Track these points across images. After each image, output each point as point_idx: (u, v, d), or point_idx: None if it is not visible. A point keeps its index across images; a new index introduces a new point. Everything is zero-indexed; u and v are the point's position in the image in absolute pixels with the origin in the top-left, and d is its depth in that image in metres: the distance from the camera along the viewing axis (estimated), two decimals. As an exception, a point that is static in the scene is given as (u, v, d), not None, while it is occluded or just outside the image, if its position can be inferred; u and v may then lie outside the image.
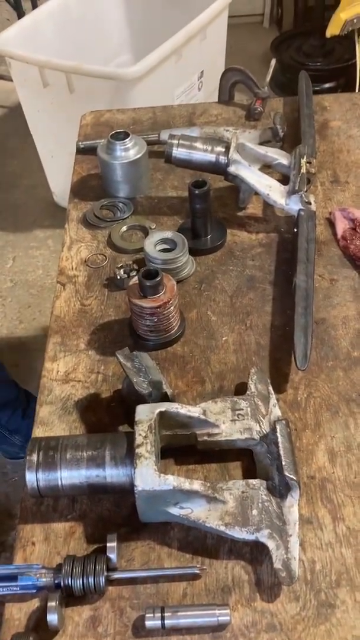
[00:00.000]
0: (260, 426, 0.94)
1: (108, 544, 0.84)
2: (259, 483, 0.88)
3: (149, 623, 0.79)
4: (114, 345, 1.13)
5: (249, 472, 0.94)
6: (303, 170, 1.29)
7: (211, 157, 1.29)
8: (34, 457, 0.88)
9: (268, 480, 0.89)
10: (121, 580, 0.84)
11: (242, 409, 0.96)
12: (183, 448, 0.96)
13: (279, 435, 0.90)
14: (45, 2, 2.36)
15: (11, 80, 2.65)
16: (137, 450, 0.86)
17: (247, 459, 0.96)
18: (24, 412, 2.01)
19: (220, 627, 0.80)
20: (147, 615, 0.79)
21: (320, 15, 3.33)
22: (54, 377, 1.09)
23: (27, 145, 2.78)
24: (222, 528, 0.84)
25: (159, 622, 0.79)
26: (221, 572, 0.85)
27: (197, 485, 0.85)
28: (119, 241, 1.32)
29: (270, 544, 0.82)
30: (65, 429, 1.02)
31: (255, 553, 0.86)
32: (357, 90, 2.74)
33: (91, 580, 0.81)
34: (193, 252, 1.26)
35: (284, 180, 1.33)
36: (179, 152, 1.29)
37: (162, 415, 0.91)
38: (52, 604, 0.79)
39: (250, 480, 0.88)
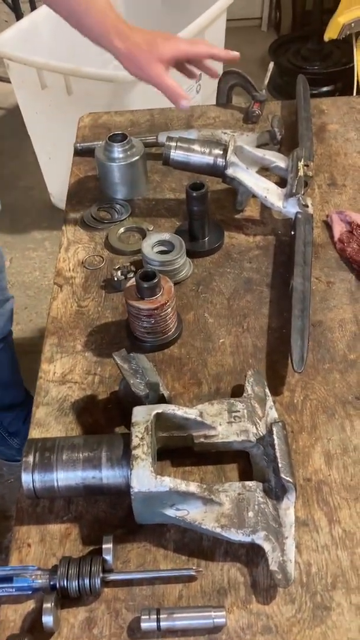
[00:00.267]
0: (256, 428, 0.94)
1: (104, 546, 0.84)
2: (255, 485, 0.88)
3: (144, 625, 0.79)
4: (110, 346, 1.13)
5: (246, 474, 0.94)
6: (300, 173, 1.29)
7: (209, 160, 1.29)
8: (30, 458, 0.88)
9: (264, 482, 0.89)
10: (117, 581, 0.84)
11: (239, 411, 0.96)
12: (179, 450, 0.96)
13: (275, 437, 0.90)
14: (44, 4, 2.36)
15: (9, 82, 2.65)
16: (134, 452, 0.86)
17: (243, 461, 0.96)
18: (25, 417, 2.01)
19: (215, 629, 0.80)
20: (143, 617, 0.79)
21: (318, 19, 3.34)
22: (50, 379, 1.09)
23: (24, 146, 2.78)
24: (218, 530, 0.84)
25: (154, 624, 0.78)
26: (217, 574, 0.85)
27: (193, 487, 0.85)
28: (116, 243, 1.32)
29: (266, 546, 0.82)
30: (61, 430, 1.02)
31: (251, 555, 0.86)
32: (354, 94, 2.75)
33: (87, 581, 0.81)
34: (190, 254, 1.26)
35: (282, 183, 1.33)
36: (176, 155, 1.29)
37: (158, 416, 0.91)
38: (47, 605, 0.78)
39: (247, 482, 0.88)
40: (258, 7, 4.13)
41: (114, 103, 2.21)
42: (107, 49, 1.22)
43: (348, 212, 1.31)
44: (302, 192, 1.27)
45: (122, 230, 1.35)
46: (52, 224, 2.92)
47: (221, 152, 1.28)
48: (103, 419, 1.03)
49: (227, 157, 1.28)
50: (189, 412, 0.93)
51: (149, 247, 1.20)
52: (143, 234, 1.33)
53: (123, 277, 1.22)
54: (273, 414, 0.98)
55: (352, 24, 2.65)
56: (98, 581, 0.81)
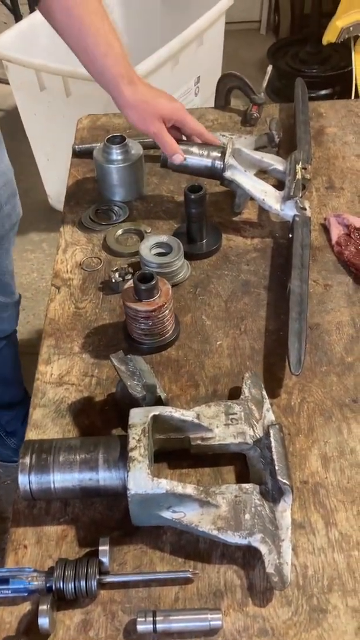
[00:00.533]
0: (253, 430, 0.94)
1: (100, 548, 0.83)
2: (252, 487, 0.88)
3: (140, 627, 0.78)
4: (108, 348, 1.13)
5: (242, 477, 0.94)
6: (298, 176, 1.29)
7: (207, 162, 1.29)
8: (27, 459, 0.88)
9: (261, 484, 0.89)
10: (113, 584, 0.84)
11: (236, 413, 0.96)
12: (176, 452, 0.96)
13: (272, 439, 0.90)
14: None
15: (8, 83, 2.65)
16: (131, 454, 0.86)
17: (240, 463, 0.96)
18: (23, 418, 2.01)
19: (212, 632, 0.80)
20: (139, 619, 0.79)
21: (317, 22, 3.34)
22: (47, 380, 1.09)
23: (23, 148, 2.78)
24: (215, 532, 0.84)
25: (150, 626, 0.78)
26: (213, 577, 0.85)
27: (190, 489, 0.85)
28: (114, 245, 1.32)
29: (263, 549, 0.82)
30: (58, 432, 1.02)
31: (248, 557, 0.86)
32: (352, 97, 2.75)
33: (83, 583, 0.81)
34: (188, 256, 1.26)
35: (280, 185, 1.33)
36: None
37: (155, 418, 0.91)
38: (43, 607, 0.78)
39: (243, 485, 0.88)
40: (257, 10, 4.14)
41: (112, 105, 2.20)
42: (113, 93, 1.25)
43: (346, 215, 1.31)
44: (300, 195, 1.27)
45: (120, 232, 1.35)
46: (50, 226, 2.91)
47: (219, 155, 1.29)
48: (100, 421, 1.03)
49: (225, 160, 1.28)
50: (186, 414, 0.93)
51: (147, 249, 1.20)
52: (141, 236, 1.33)
53: (121, 279, 1.22)
54: (270, 417, 0.98)
55: (351, 28, 2.66)
56: (94, 583, 0.81)
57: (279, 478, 0.86)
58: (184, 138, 1.32)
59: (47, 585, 0.81)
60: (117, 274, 1.22)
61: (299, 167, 1.31)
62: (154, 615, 0.79)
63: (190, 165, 1.30)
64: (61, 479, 0.87)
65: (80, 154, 1.55)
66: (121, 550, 0.88)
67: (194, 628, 0.79)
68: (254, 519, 0.84)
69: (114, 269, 1.24)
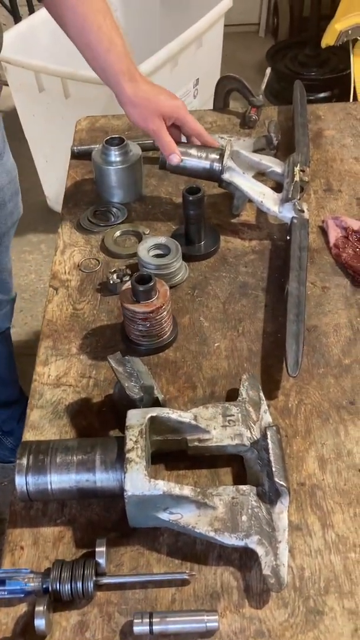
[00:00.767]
0: (250, 432, 0.94)
1: (97, 549, 0.83)
2: (249, 489, 0.88)
3: (137, 629, 0.78)
4: (105, 349, 1.13)
5: (239, 478, 0.94)
6: (296, 178, 1.29)
7: (205, 164, 1.29)
8: (24, 460, 0.88)
9: (258, 486, 0.89)
10: (110, 585, 0.84)
11: (233, 415, 0.96)
12: (174, 453, 0.96)
13: (269, 441, 0.90)
14: (42, 7, 2.37)
15: (7, 85, 2.65)
16: (128, 455, 0.86)
17: (237, 465, 0.96)
18: (20, 417, 2.01)
19: (208, 633, 0.79)
20: (135, 620, 0.79)
21: (316, 25, 3.35)
22: (45, 381, 1.09)
23: (22, 149, 2.78)
24: (212, 534, 0.84)
25: (147, 628, 0.78)
26: (210, 578, 0.85)
27: (187, 491, 0.85)
28: (112, 246, 1.32)
29: (260, 550, 0.82)
30: (55, 433, 1.02)
31: (245, 559, 0.86)
32: (351, 100, 2.76)
33: (79, 585, 0.81)
34: (186, 258, 1.26)
35: (278, 188, 1.34)
36: (173, 159, 1.29)
37: (153, 420, 0.91)
38: (39, 608, 0.78)
39: (241, 486, 0.88)
40: (256, 12, 4.15)
41: (111, 106, 2.20)
42: (114, 90, 1.26)
43: (343, 217, 1.31)
44: (298, 197, 1.27)
45: (118, 233, 1.35)
46: (48, 227, 2.91)
47: (218, 157, 1.29)
48: (97, 422, 1.03)
49: (224, 162, 1.28)
50: (184, 416, 0.93)
51: (145, 250, 1.20)
52: (139, 238, 1.34)
53: (119, 280, 1.22)
54: (267, 418, 0.98)
55: (349, 31, 2.67)
56: (91, 585, 0.81)
57: (276, 480, 0.86)
58: (184, 139, 1.32)
59: (44, 586, 0.81)
60: (115, 276, 1.22)
61: (297, 169, 1.31)
62: (151, 617, 0.79)
63: (188, 167, 1.30)
64: (58, 480, 0.87)
65: (79, 156, 1.56)
66: (118, 551, 0.88)
67: (190, 630, 0.79)
68: (250, 521, 0.84)
69: (112, 270, 1.24)
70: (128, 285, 1.08)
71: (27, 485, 0.87)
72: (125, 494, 0.83)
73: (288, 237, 1.25)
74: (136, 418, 0.90)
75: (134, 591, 0.84)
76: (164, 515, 0.85)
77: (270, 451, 0.89)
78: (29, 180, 3.06)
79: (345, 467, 0.95)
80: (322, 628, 0.80)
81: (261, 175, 1.38)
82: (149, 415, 0.91)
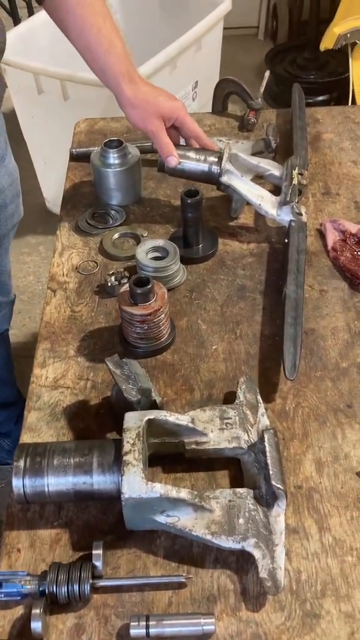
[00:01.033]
0: (248, 435, 0.94)
1: (94, 552, 0.83)
2: (246, 492, 0.88)
3: (133, 632, 0.78)
4: (103, 352, 1.13)
5: (237, 481, 0.94)
6: (295, 181, 1.29)
7: (204, 167, 1.29)
8: (21, 463, 0.88)
9: (255, 489, 0.89)
10: (106, 588, 0.84)
11: (231, 418, 0.96)
12: (171, 456, 0.96)
13: (266, 444, 0.90)
14: (42, 10, 2.38)
15: (6, 86, 2.65)
16: (125, 458, 0.86)
17: (234, 468, 0.96)
18: (17, 419, 2.01)
19: (205, 637, 0.79)
20: (132, 623, 0.79)
21: (315, 29, 3.36)
22: (42, 383, 1.09)
23: (20, 151, 2.78)
24: (209, 537, 0.84)
25: (143, 631, 0.78)
26: (207, 581, 0.85)
27: (184, 494, 0.85)
28: (110, 248, 1.32)
29: (256, 553, 0.82)
30: (53, 436, 1.02)
31: (241, 562, 0.86)
32: (349, 104, 2.76)
33: (76, 587, 0.81)
34: (184, 260, 1.26)
35: (276, 191, 1.34)
36: (172, 161, 1.29)
37: (150, 422, 0.91)
38: (36, 611, 0.78)
39: (238, 489, 0.88)
40: (255, 16, 4.16)
41: (110, 109, 2.21)
42: (114, 90, 1.27)
43: (341, 220, 1.32)
44: (296, 201, 1.28)
45: (116, 235, 1.35)
46: (46, 229, 2.92)
47: (216, 160, 1.29)
48: (95, 425, 1.03)
49: (222, 165, 1.28)
50: (181, 419, 0.93)
51: (143, 253, 1.21)
52: (137, 240, 1.34)
53: (117, 282, 1.22)
54: (265, 421, 0.98)
55: (348, 35, 2.68)
56: (87, 587, 0.81)
57: (273, 483, 0.86)
58: (182, 142, 1.33)
59: (40, 589, 0.81)
60: (113, 278, 1.22)
61: (295, 172, 1.31)
62: (147, 620, 0.79)
63: (187, 170, 1.30)
64: (55, 482, 0.87)
65: (78, 158, 1.56)
66: (115, 554, 0.88)
67: (187, 633, 0.79)
68: (247, 524, 0.84)
69: (110, 272, 1.24)
70: (126, 287, 1.08)
71: (24, 488, 0.87)
72: (122, 496, 0.83)
73: (286, 240, 1.25)
74: (133, 421, 0.90)
75: (130, 594, 0.84)
76: (161, 518, 0.85)
77: (268, 454, 0.89)
78: (28, 182, 3.06)
79: (342, 470, 0.96)
80: (318, 631, 0.80)
81: (259, 178, 1.38)
82: (147, 418, 0.91)
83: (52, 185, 2.83)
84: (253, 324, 1.17)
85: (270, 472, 0.87)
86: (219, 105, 1.68)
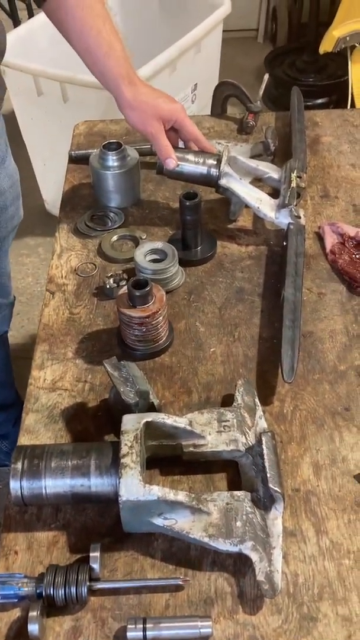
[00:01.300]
0: (246, 438, 0.94)
1: (91, 554, 0.83)
2: (244, 495, 0.88)
3: (130, 634, 0.78)
4: (101, 354, 1.13)
5: (234, 484, 0.94)
6: (293, 184, 1.30)
7: (203, 170, 1.30)
8: (19, 465, 0.88)
9: (253, 492, 0.89)
10: (103, 590, 0.84)
11: (228, 421, 0.96)
12: (168, 458, 0.96)
13: (264, 447, 0.90)
14: (41, 12, 2.38)
15: (5, 88, 2.65)
16: (123, 460, 0.86)
17: (232, 471, 0.96)
18: (15, 420, 2.01)
19: (202, 639, 0.79)
20: (129, 626, 0.79)
21: (314, 31, 3.36)
22: (40, 385, 1.09)
23: (20, 153, 2.78)
24: (206, 539, 0.84)
25: (140, 634, 0.78)
26: (204, 584, 0.85)
27: (181, 496, 0.85)
28: (109, 250, 1.32)
29: (254, 556, 0.82)
30: (51, 438, 1.02)
31: (239, 565, 0.86)
32: (348, 107, 2.77)
33: (73, 590, 0.81)
34: (183, 263, 1.26)
35: (275, 194, 1.34)
36: (170, 164, 1.29)
37: (148, 425, 0.91)
38: (33, 613, 0.78)
39: (235, 492, 0.88)
40: (254, 18, 4.16)
41: (109, 111, 2.21)
42: (113, 92, 1.27)
43: (340, 223, 1.32)
44: (295, 203, 1.28)
45: (115, 238, 1.35)
46: (45, 231, 2.92)
47: (215, 163, 1.29)
48: (93, 427, 1.03)
49: (221, 168, 1.28)
50: (179, 421, 0.93)
51: (142, 255, 1.21)
52: (136, 242, 1.34)
53: (115, 284, 1.22)
54: (262, 424, 0.98)
55: (347, 38, 2.68)
56: (84, 590, 0.81)
57: (271, 486, 0.86)
58: (181, 145, 1.33)
59: (38, 591, 0.81)
60: (111, 280, 1.22)
61: (294, 175, 1.31)
62: (144, 623, 0.79)
63: (185, 173, 1.30)
64: (53, 484, 0.87)
65: (77, 160, 1.56)
66: (112, 556, 0.88)
67: (184, 635, 0.79)
68: (245, 527, 0.84)
69: (109, 274, 1.24)
70: (124, 289, 1.08)
71: (22, 490, 0.87)
72: (119, 499, 0.83)
73: (284, 243, 1.25)
74: (131, 423, 0.90)
75: (127, 596, 0.84)
76: (159, 521, 0.85)
77: (265, 457, 0.89)
78: (27, 184, 3.05)
79: (340, 474, 0.96)
80: (315, 634, 0.80)
81: (258, 181, 1.38)
82: (144, 420, 0.91)
83: (51, 187, 2.83)
84: (251, 327, 1.17)
85: (268, 475, 0.87)
86: (218, 108, 1.68)
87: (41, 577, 0.82)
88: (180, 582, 0.84)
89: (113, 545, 0.88)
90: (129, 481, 0.84)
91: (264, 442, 0.90)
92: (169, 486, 0.93)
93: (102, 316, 1.20)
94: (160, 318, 1.09)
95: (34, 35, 2.56)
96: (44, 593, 0.81)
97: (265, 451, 0.89)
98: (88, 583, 0.82)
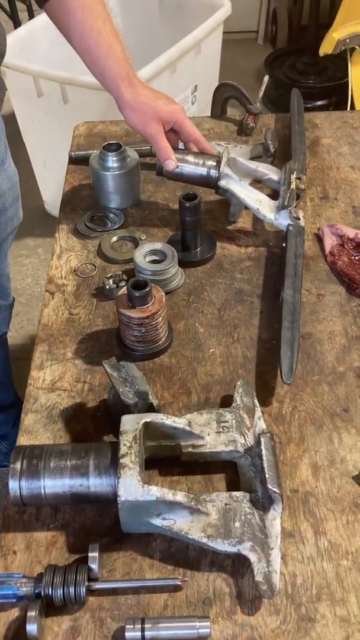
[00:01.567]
0: (244, 439, 0.94)
1: (90, 554, 0.83)
2: (242, 495, 0.88)
3: (129, 634, 0.78)
4: (101, 354, 1.13)
5: (233, 485, 0.95)
6: (293, 186, 1.30)
7: (202, 171, 1.30)
8: (18, 465, 0.88)
9: (251, 492, 0.89)
10: (102, 590, 0.84)
11: (227, 421, 0.96)
12: (167, 459, 0.96)
13: (263, 448, 0.90)
14: (42, 13, 2.39)
15: (6, 89, 2.65)
16: (121, 461, 0.86)
17: (231, 471, 0.96)
18: (14, 421, 2.01)
19: (200, 640, 0.80)
20: (127, 626, 0.79)
21: (314, 34, 3.37)
22: (40, 386, 1.09)
23: (20, 153, 2.78)
24: (205, 540, 0.84)
25: (139, 634, 0.78)
26: (202, 584, 0.85)
27: (180, 497, 0.85)
28: (109, 251, 1.32)
29: (252, 557, 0.83)
30: (50, 438, 1.02)
31: (237, 565, 0.86)
32: (348, 109, 2.77)
33: (72, 590, 0.81)
34: (182, 264, 1.26)
35: (274, 195, 1.34)
36: (170, 165, 1.30)
37: (147, 425, 0.92)
38: (31, 613, 0.78)
39: (234, 493, 0.88)
40: (255, 20, 4.17)
41: (109, 112, 2.21)
42: (113, 93, 1.28)
43: (339, 225, 1.32)
44: (294, 205, 1.28)
45: (114, 238, 1.35)
46: (45, 232, 2.92)
47: (214, 164, 1.29)
48: (92, 427, 1.03)
49: (221, 169, 1.29)
50: (178, 422, 0.93)
51: (142, 256, 1.21)
52: (136, 243, 1.34)
53: (115, 285, 1.22)
54: (261, 425, 0.98)
55: (347, 40, 2.68)
56: (83, 590, 0.81)
57: (269, 486, 0.86)
58: (181, 146, 1.33)
59: (36, 591, 0.81)
60: (111, 281, 1.23)
61: (293, 177, 1.32)
62: (143, 623, 0.79)
63: (185, 174, 1.30)
64: (52, 484, 0.87)
65: (77, 161, 1.56)
66: (111, 557, 0.88)
67: (182, 636, 0.79)
68: (243, 527, 0.84)
69: (108, 275, 1.24)
70: (124, 290, 1.08)
71: (21, 490, 0.87)
72: (118, 499, 0.84)
73: (284, 244, 1.25)
74: (130, 423, 0.90)
75: (126, 597, 0.84)
76: (157, 521, 0.85)
77: (264, 458, 0.89)
78: (27, 185, 3.06)
79: (339, 475, 0.96)
80: (313, 635, 0.80)
81: (258, 182, 1.39)
82: (143, 421, 0.91)
83: (51, 187, 2.83)
84: (250, 328, 1.17)
85: (267, 476, 0.87)
86: (218, 110, 1.68)
87: (40, 577, 0.82)
88: (179, 583, 0.84)
89: (112, 546, 0.89)
90: (127, 481, 0.84)
91: (262, 442, 0.91)
92: (168, 486, 0.93)
93: (102, 317, 1.20)
94: (160, 319, 1.09)
95: (35, 36, 2.57)
96: (42, 593, 0.81)
97: (264, 452, 0.90)
98: (87, 583, 0.82)
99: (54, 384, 1.09)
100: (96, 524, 0.91)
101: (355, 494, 0.93)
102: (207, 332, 1.17)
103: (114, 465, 0.87)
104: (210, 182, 1.31)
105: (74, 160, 1.57)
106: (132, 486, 0.84)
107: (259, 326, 1.18)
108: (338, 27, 2.69)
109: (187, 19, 2.72)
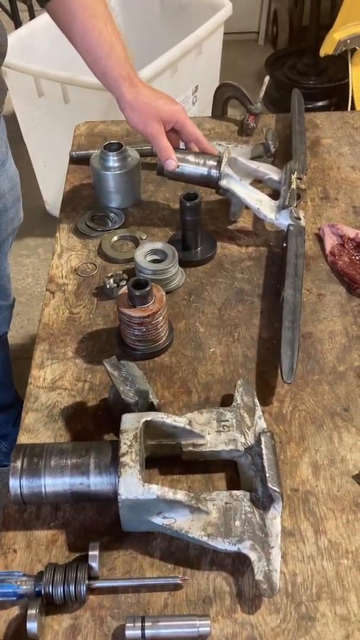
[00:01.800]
0: (245, 438, 0.94)
1: (90, 553, 0.83)
2: (243, 494, 0.88)
3: (129, 633, 0.78)
4: (101, 354, 1.13)
5: (233, 484, 0.95)
6: (293, 186, 1.30)
7: (203, 171, 1.30)
8: (18, 463, 0.88)
9: (252, 491, 0.89)
10: (102, 589, 0.84)
11: (228, 421, 0.96)
12: (168, 458, 0.96)
13: (263, 447, 0.90)
14: (43, 13, 2.39)
15: (7, 89, 2.65)
16: (122, 459, 0.86)
17: (231, 470, 0.96)
18: (15, 421, 2.01)
19: (200, 638, 0.79)
20: (128, 625, 0.79)
21: (315, 34, 3.37)
22: (40, 385, 1.09)
23: (20, 153, 2.79)
24: (205, 539, 0.84)
25: (139, 632, 0.78)
26: (203, 583, 0.85)
27: (180, 495, 0.85)
28: (109, 251, 1.32)
29: (252, 556, 0.83)
30: (50, 437, 1.02)
31: (237, 564, 0.86)
32: (349, 109, 2.77)
33: (72, 588, 0.81)
34: (183, 263, 1.26)
35: (275, 195, 1.34)
36: (171, 165, 1.30)
37: (147, 424, 0.92)
38: (32, 612, 0.78)
39: (234, 492, 0.88)
40: (255, 21, 4.17)
41: (110, 112, 2.21)
42: (114, 93, 1.28)
43: (340, 225, 1.32)
44: (295, 205, 1.28)
45: (115, 238, 1.35)
46: (45, 231, 2.92)
47: (215, 164, 1.29)
48: (92, 426, 1.03)
49: (221, 169, 1.29)
50: (178, 421, 0.93)
51: (142, 255, 1.21)
52: (136, 243, 1.34)
53: (115, 285, 1.22)
54: (262, 424, 0.98)
55: (348, 41, 2.68)
56: (83, 588, 0.81)
57: (270, 485, 0.86)
58: (182, 146, 1.33)
59: (36, 589, 0.81)
60: (111, 280, 1.23)
61: (294, 177, 1.32)
62: (143, 621, 0.79)
63: (186, 173, 1.30)
64: (52, 483, 0.87)
65: (77, 161, 1.56)
66: (111, 555, 0.88)
67: (182, 634, 0.79)
68: (243, 526, 0.84)
69: (109, 275, 1.25)
70: (124, 289, 1.08)
71: (21, 488, 0.87)
72: (118, 498, 0.84)
73: (284, 244, 1.25)
74: (131, 422, 0.90)
75: (126, 595, 0.84)
76: (158, 520, 0.85)
77: (264, 457, 0.89)
78: (28, 185, 3.06)
79: (339, 474, 0.96)
80: (313, 634, 0.80)
81: (258, 182, 1.39)
82: (144, 420, 0.91)
83: (52, 187, 2.84)
84: (251, 327, 1.17)
85: (267, 475, 0.87)
86: (219, 110, 1.69)
87: (40, 576, 0.82)
88: (179, 581, 0.84)
89: (112, 544, 0.89)
90: (128, 480, 0.84)
91: (263, 442, 0.91)
92: (168, 485, 0.93)
93: (102, 316, 1.21)
94: (160, 318, 1.09)
95: (35, 36, 2.57)
96: (42, 591, 0.81)
97: (264, 451, 0.90)
98: (87, 581, 0.82)
99: (54, 382, 1.10)
100: (96, 523, 0.91)
101: (356, 493, 0.94)
102: (207, 331, 1.17)
103: (114, 464, 0.87)
104: (211, 182, 1.31)
105: (74, 160, 1.57)
106: (132, 485, 0.84)
107: (259, 326, 1.18)
108: (339, 28, 2.69)
109: (188, 19, 2.72)
